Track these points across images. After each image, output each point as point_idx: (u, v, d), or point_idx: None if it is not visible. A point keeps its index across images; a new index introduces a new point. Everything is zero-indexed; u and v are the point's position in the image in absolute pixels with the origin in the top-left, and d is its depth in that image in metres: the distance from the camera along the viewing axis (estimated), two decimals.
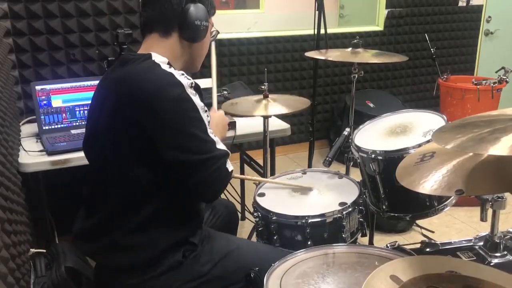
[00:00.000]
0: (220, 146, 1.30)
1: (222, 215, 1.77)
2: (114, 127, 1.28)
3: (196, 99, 1.26)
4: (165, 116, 1.22)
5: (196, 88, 1.30)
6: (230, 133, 2.23)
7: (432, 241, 1.64)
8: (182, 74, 1.28)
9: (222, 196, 2.56)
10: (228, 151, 1.32)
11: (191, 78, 1.29)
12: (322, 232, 1.54)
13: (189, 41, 1.37)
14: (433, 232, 2.70)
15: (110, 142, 1.29)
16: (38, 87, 2.23)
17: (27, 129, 2.32)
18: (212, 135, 1.29)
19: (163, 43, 1.35)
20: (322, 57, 2.36)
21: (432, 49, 3.90)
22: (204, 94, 2.62)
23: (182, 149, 1.24)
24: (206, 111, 1.30)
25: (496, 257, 1.44)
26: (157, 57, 1.31)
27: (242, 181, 2.90)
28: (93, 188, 1.39)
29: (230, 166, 1.32)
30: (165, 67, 1.28)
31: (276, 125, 2.42)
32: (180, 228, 1.35)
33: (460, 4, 4.28)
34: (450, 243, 1.60)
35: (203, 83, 2.86)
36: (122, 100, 1.26)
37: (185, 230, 1.37)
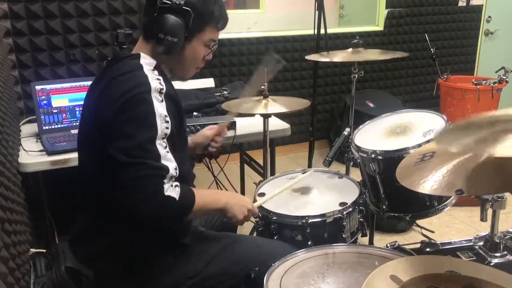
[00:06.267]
0: (166, 162, 1.18)
1: (222, 216, 1.76)
2: (98, 128, 1.26)
3: (159, 105, 1.20)
4: (117, 113, 1.19)
5: (170, 97, 1.25)
6: (230, 133, 2.23)
7: (432, 241, 1.64)
8: (158, 79, 1.25)
9: None
10: (171, 171, 1.18)
11: (164, 85, 1.24)
12: (322, 232, 1.54)
13: (162, 52, 1.31)
14: (433, 232, 2.70)
15: (96, 144, 1.28)
16: (38, 87, 2.23)
17: (27, 129, 2.32)
18: (159, 147, 1.17)
19: (145, 47, 1.35)
20: (324, 59, 2.36)
21: (432, 49, 3.89)
22: (204, 94, 2.63)
23: (116, 146, 1.17)
24: (167, 121, 1.21)
25: (496, 257, 1.45)
26: (145, 59, 1.31)
27: (242, 181, 2.90)
28: (83, 191, 1.38)
29: (170, 191, 1.16)
30: (147, 68, 1.27)
31: (276, 125, 2.42)
32: (166, 231, 1.34)
33: (460, 4, 4.28)
34: (450, 243, 1.60)
35: (203, 83, 2.88)
36: (105, 101, 1.26)
37: (172, 232, 1.36)
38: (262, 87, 2.05)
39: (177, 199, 1.17)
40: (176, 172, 1.20)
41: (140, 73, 1.25)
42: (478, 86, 3.41)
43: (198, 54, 1.38)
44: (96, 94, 1.31)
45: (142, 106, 1.19)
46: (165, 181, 1.16)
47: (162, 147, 1.19)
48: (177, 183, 1.20)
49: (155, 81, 1.23)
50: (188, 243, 1.38)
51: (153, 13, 1.28)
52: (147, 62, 1.30)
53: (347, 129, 2.08)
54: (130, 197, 1.15)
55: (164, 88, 1.24)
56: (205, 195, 1.37)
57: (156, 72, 1.28)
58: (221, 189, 2.64)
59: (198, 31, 1.34)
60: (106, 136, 1.20)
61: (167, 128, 1.21)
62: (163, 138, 1.20)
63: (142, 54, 1.32)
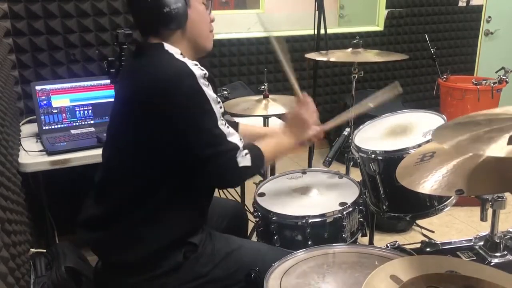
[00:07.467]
0: (232, 138, 1.28)
1: (228, 216, 1.76)
2: (131, 116, 1.29)
3: (208, 90, 1.25)
4: (176, 109, 1.23)
5: (210, 79, 1.29)
6: None
7: (432, 241, 1.64)
8: (196, 65, 1.27)
9: (223, 196, 2.57)
10: (239, 144, 1.29)
11: (204, 69, 1.28)
12: (322, 232, 1.54)
13: (175, 30, 1.33)
14: (433, 232, 2.70)
15: (128, 131, 1.31)
16: (38, 87, 2.23)
17: (27, 129, 2.32)
18: (223, 127, 1.27)
19: (159, 39, 1.34)
20: (323, 58, 2.36)
21: (432, 49, 3.89)
22: None
23: (191, 142, 1.25)
24: (218, 102, 1.28)
25: (496, 257, 1.44)
26: (169, 48, 1.31)
27: None
28: (105, 177, 1.40)
29: (244, 161, 1.28)
30: (178, 57, 1.29)
31: (276, 125, 2.42)
32: (181, 227, 1.36)
33: (460, 4, 4.28)
34: (450, 243, 1.60)
35: None
36: (141, 90, 1.27)
37: (186, 229, 1.37)
38: (262, 87, 2.06)
39: (250, 165, 1.29)
40: (242, 142, 1.31)
41: (177, 62, 1.26)
42: (478, 86, 3.41)
43: (203, 14, 1.39)
44: (130, 85, 1.32)
45: (192, 99, 1.23)
46: (237, 155, 1.27)
47: (224, 125, 1.28)
48: (246, 151, 1.30)
49: (195, 67, 1.26)
50: (198, 243, 1.38)
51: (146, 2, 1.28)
52: (173, 51, 1.30)
53: (347, 129, 2.09)
54: (223, 180, 1.33)
55: (206, 72, 1.27)
56: (272, 147, 1.46)
57: (186, 58, 1.30)
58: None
59: None
60: (167, 132, 1.25)
61: (220, 107, 1.29)
62: (221, 118, 1.28)
63: (164, 43, 1.32)
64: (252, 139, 1.59)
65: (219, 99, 1.28)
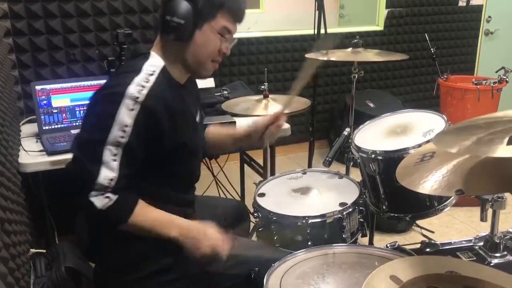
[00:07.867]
0: (102, 168, 1.17)
1: (229, 216, 1.74)
2: None
3: (125, 111, 1.18)
4: (88, 105, 1.31)
5: (149, 109, 1.20)
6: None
7: (432, 241, 1.64)
8: (141, 87, 1.21)
9: (222, 195, 2.57)
10: (102, 181, 1.17)
11: (141, 95, 1.20)
12: (322, 232, 1.54)
13: (171, 39, 1.30)
14: (433, 232, 2.70)
15: None
16: (38, 87, 2.23)
17: (27, 129, 2.32)
18: (106, 152, 1.18)
19: (158, 44, 1.36)
20: (323, 58, 2.36)
21: (432, 49, 3.89)
22: (204, 94, 2.62)
23: (76, 135, 1.32)
24: (124, 131, 1.18)
25: (496, 257, 1.45)
26: (152, 59, 1.31)
27: (242, 181, 2.90)
28: None
29: (96, 200, 1.18)
30: (145, 72, 1.26)
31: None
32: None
33: (460, 4, 4.28)
34: (450, 243, 1.60)
35: (203, 83, 2.87)
36: None
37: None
38: (262, 87, 2.06)
39: (102, 208, 1.19)
40: (110, 183, 1.19)
41: (128, 76, 1.24)
42: (478, 86, 3.40)
43: (211, 43, 1.33)
44: None
45: (106, 106, 1.23)
46: (93, 186, 1.18)
47: (110, 153, 1.19)
48: (109, 195, 1.19)
49: (136, 87, 1.20)
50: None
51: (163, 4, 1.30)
52: (151, 64, 1.29)
53: (347, 129, 2.08)
54: (83, 190, 1.22)
55: (140, 98, 1.20)
56: (156, 219, 1.29)
57: (152, 77, 1.26)
58: (221, 188, 2.64)
59: (209, 17, 1.30)
60: None
61: (122, 137, 1.19)
62: (115, 146, 1.19)
63: (152, 53, 1.32)
64: (219, 139, 1.64)
65: (127, 129, 1.18)
